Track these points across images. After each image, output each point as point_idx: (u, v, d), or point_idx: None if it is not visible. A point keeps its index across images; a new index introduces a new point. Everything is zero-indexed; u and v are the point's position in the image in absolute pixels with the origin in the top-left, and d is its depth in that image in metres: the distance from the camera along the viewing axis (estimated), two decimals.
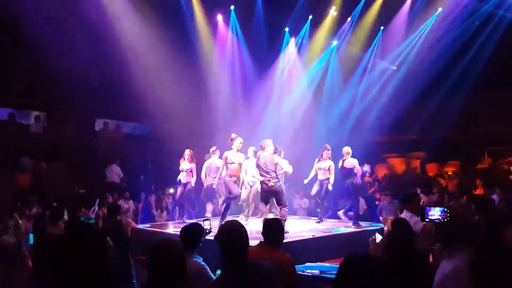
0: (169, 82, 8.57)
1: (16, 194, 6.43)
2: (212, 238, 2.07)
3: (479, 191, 7.41)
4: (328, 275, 3.27)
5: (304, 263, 3.59)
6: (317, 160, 6.18)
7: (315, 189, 6.18)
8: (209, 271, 2.43)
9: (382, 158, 11.43)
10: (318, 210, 6.27)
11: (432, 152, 10.56)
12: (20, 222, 4.60)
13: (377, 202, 8.06)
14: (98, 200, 6.40)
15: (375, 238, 3.33)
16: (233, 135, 5.48)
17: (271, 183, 5.10)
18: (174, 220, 6.31)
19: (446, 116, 9.33)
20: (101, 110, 9.06)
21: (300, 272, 3.08)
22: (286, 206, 5.28)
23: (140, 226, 6.44)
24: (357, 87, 10.50)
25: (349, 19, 9.85)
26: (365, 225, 6.00)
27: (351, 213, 7.16)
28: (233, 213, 5.95)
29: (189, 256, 2.44)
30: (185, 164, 6.18)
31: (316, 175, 6.21)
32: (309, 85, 10.37)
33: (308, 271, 3.39)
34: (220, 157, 6.28)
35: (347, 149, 6.06)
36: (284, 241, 2.57)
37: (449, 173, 9.92)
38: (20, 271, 2.21)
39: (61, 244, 2.02)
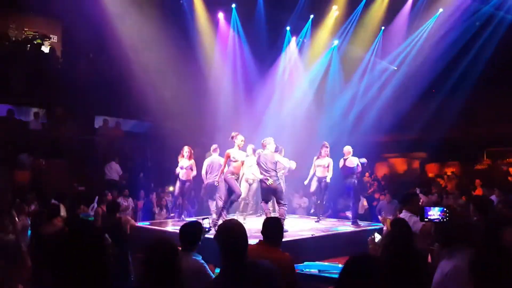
0: (169, 80, 8.56)
1: (15, 191, 6.42)
2: (212, 236, 2.06)
3: (478, 192, 7.42)
4: (327, 274, 3.27)
5: (303, 262, 3.60)
6: (315, 157, 6.20)
7: (314, 186, 6.20)
8: (208, 269, 2.43)
9: (382, 157, 11.44)
10: (312, 211, 6.26)
11: (432, 152, 10.58)
12: (17, 219, 4.58)
13: (374, 203, 8.06)
14: (97, 197, 6.40)
15: (374, 237, 3.33)
16: (233, 133, 5.46)
17: (270, 181, 5.11)
18: (173, 218, 6.30)
19: (446, 116, 9.34)
20: (101, 107, 9.05)
21: (299, 271, 3.08)
22: (285, 204, 5.29)
23: (139, 224, 6.45)
24: (358, 87, 10.51)
25: (350, 18, 9.84)
26: (364, 225, 6.00)
27: (348, 213, 7.17)
28: (231, 211, 5.94)
29: (188, 255, 2.44)
30: (184, 161, 6.16)
31: (314, 172, 6.21)
32: (310, 85, 10.37)
33: (307, 270, 3.39)
34: (221, 154, 6.29)
35: (348, 148, 6.07)
36: (284, 240, 2.57)
37: (448, 173, 9.94)
38: (20, 268, 2.20)
39: (58, 242, 2.01)
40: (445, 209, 2.95)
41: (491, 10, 8.85)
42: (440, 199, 7.02)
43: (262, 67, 10.02)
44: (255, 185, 6.52)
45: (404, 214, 3.51)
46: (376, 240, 3.27)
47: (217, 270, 2.53)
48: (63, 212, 4.99)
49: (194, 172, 6.25)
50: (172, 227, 5.79)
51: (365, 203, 8.11)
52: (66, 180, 7.34)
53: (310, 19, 10.03)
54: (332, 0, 9.65)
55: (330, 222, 6.53)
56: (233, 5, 9.45)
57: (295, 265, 2.50)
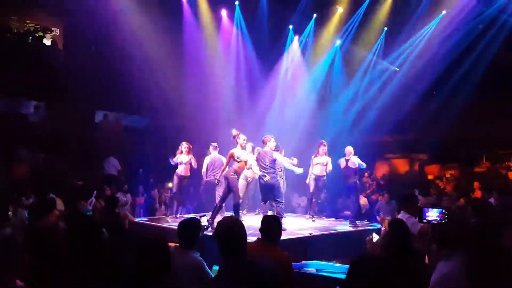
0: (171, 76, 8.53)
1: (13, 185, 6.41)
2: (211, 234, 2.06)
3: (476, 194, 7.43)
4: (324, 273, 3.28)
5: (301, 261, 3.60)
6: (313, 156, 6.19)
7: (312, 185, 6.18)
8: (206, 266, 2.44)
9: (384, 157, 11.46)
10: (308, 216, 6.24)
11: (432, 154, 10.60)
12: (10, 213, 4.56)
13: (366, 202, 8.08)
14: (95, 192, 6.39)
15: (372, 237, 3.34)
16: (234, 132, 5.43)
17: (267, 178, 5.11)
18: (173, 214, 6.29)
19: (446, 118, 9.35)
20: (101, 102, 9.03)
21: (297, 270, 3.08)
22: (282, 203, 5.27)
23: (138, 219, 6.46)
24: (360, 87, 10.50)
25: (353, 18, 9.83)
26: (362, 225, 6.01)
27: (348, 212, 7.17)
28: (228, 209, 5.94)
29: (186, 252, 2.44)
30: (183, 157, 6.12)
31: (312, 171, 6.19)
32: (312, 84, 10.36)
33: (305, 269, 3.40)
34: (221, 152, 6.28)
35: (349, 148, 6.05)
36: (282, 238, 2.57)
37: (447, 175, 9.95)
38: (16, 263, 2.20)
39: (48, 237, 2.00)
40: (443, 211, 2.95)
41: (495, 13, 8.83)
42: (439, 201, 7.03)
43: (265, 65, 10.00)
44: (253, 183, 6.52)
45: (402, 215, 3.52)
46: (374, 240, 3.28)
47: (215, 268, 2.54)
48: (60, 207, 4.99)
49: (195, 164, 6.21)
50: (170, 223, 5.78)
51: (366, 201, 8.12)
52: (65, 174, 7.33)
53: (313, 18, 10.01)
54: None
55: (328, 222, 6.54)
56: (236, 2, 9.42)
57: (293, 263, 2.51)
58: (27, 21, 9.04)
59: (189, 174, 6.22)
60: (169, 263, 1.79)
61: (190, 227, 2.54)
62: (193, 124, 8.78)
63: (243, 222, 2.22)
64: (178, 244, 2.52)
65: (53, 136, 7.87)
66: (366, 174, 9.45)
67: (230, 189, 5.22)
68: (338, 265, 3.41)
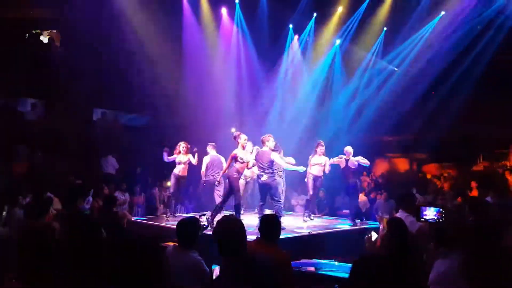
0: (170, 74, 8.50)
1: (11, 183, 6.38)
2: (211, 233, 2.07)
3: (473, 193, 7.47)
4: (323, 272, 3.29)
5: (300, 260, 3.61)
6: (311, 156, 6.18)
7: (311, 186, 6.15)
8: (205, 265, 2.44)
9: (385, 156, 11.50)
10: (306, 217, 6.24)
11: (431, 153, 10.64)
12: (5, 213, 4.52)
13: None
14: (92, 190, 6.36)
15: (370, 236, 3.36)
16: (234, 131, 5.43)
17: (264, 178, 5.12)
18: (172, 214, 6.28)
19: (444, 118, 9.39)
20: (99, 100, 8.99)
21: (296, 268, 3.09)
22: (279, 201, 5.27)
23: (136, 219, 6.45)
24: (359, 87, 10.52)
25: (352, 18, 9.83)
26: (361, 223, 6.03)
27: (346, 211, 7.19)
28: (227, 208, 5.94)
29: (185, 251, 2.44)
30: (182, 157, 6.09)
31: (310, 171, 6.18)
32: (312, 83, 10.36)
33: (304, 267, 3.41)
34: (220, 152, 6.27)
35: (349, 148, 6.04)
36: (281, 237, 2.58)
37: (444, 174, 10.00)
38: (12, 262, 2.19)
39: (40, 238, 1.99)
40: (440, 210, 2.97)
41: (494, 14, 8.86)
42: (436, 199, 7.07)
43: (265, 64, 9.97)
44: (251, 183, 6.52)
45: (400, 214, 3.53)
46: (373, 238, 3.29)
47: (214, 267, 2.54)
48: (58, 205, 4.96)
49: (196, 162, 6.19)
50: (168, 222, 5.77)
51: (366, 200, 8.14)
52: (62, 172, 7.30)
53: (313, 17, 10.01)
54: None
55: (327, 220, 6.56)
56: (237, 1, 9.39)
57: (292, 262, 2.52)
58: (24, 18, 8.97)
59: (186, 174, 6.19)
60: (160, 264, 1.78)
61: (189, 227, 2.53)
62: (192, 123, 8.77)
63: (242, 221, 2.22)
64: (177, 244, 2.52)
65: (51, 134, 7.84)
66: (364, 173, 9.47)
67: (232, 189, 5.20)
68: (337, 263, 3.43)
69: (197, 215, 2.83)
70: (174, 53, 8.39)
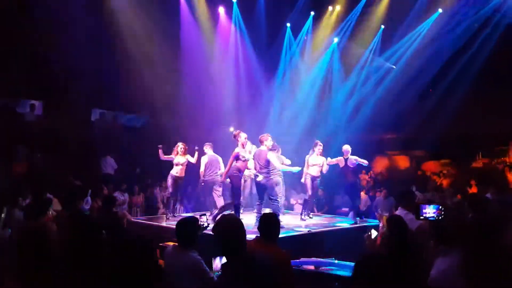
0: (168, 74, 8.48)
1: (11, 184, 6.36)
2: (211, 232, 2.06)
3: (473, 190, 7.49)
4: (323, 271, 3.29)
5: (299, 258, 3.61)
6: (308, 156, 6.16)
7: (309, 186, 6.12)
8: (204, 264, 2.44)
9: (384, 153, 11.51)
10: (304, 215, 6.25)
11: (431, 150, 10.65)
12: (3, 215, 4.51)
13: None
14: (90, 191, 6.35)
15: (370, 234, 3.36)
16: (233, 130, 5.43)
17: (259, 178, 5.13)
18: (171, 214, 6.27)
19: (443, 115, 9.40)
20: (98, 100, 8.97)
21: (295, 267, 3.09)
22: (276, 200, 5.27)
23: (135, 219, 6.44)
24: (357, 85, 10.53)
25: (349, 16, 9.83)
26: (360, 221, 6.03)
27: (345, 209, 7.19)
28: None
29: (185, 251, 2.44)
30: (180, 158, 6.08)
31: (307, 171, 6.17)
32: (310, 82, 10.36)
33: (304, 265, 3.41)
34: (220, 152, 6.26)
35: (347, 147, 6.03)
36: (280, 236, 2.58)
37: (443, 171, 10.02)
38: (9, 264, 2.18)
39: (35, 240, 1.98)
40: (440, 207, 2.97)
41: (490, 12, 8.88)
42: (435, 196, 7.08)
43: (263, 62, 9.97)
44: (249, 182, 6.52)
45: (400, 211, 3.53)
46: (373, 236, 3.29)
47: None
48: (57, 206, 4.95)
49: (196, 160, 6.18)
50: (168, 222, 5.77)
51: (367, 198, 8.15)
52: (61, 173, 7.29)
53: (311, 16, 10.00)
54: None
55: (326, 219, 6.56)
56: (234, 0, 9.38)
57: (291, 261, 2.52)
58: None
59: (184, 175, 6.17)
60: (156, 265, 1.78)
61: (189, 226, 2.53)
62: (191, 123, 8.76)
63: (242, 220, 2.22)
64: (176, 244, 2.52)
65: (50, 135, 7.82)
66: (363, 172, 9.48)
67: (232, 187, 5.21)
68: (336, 261, 3.43)
69: (197, 215, 2.82)
70: (172, 53, 8.37)
